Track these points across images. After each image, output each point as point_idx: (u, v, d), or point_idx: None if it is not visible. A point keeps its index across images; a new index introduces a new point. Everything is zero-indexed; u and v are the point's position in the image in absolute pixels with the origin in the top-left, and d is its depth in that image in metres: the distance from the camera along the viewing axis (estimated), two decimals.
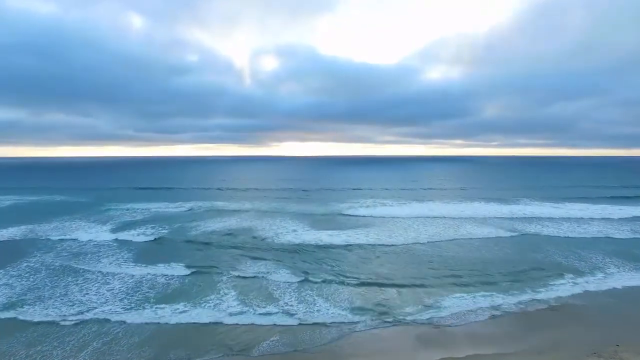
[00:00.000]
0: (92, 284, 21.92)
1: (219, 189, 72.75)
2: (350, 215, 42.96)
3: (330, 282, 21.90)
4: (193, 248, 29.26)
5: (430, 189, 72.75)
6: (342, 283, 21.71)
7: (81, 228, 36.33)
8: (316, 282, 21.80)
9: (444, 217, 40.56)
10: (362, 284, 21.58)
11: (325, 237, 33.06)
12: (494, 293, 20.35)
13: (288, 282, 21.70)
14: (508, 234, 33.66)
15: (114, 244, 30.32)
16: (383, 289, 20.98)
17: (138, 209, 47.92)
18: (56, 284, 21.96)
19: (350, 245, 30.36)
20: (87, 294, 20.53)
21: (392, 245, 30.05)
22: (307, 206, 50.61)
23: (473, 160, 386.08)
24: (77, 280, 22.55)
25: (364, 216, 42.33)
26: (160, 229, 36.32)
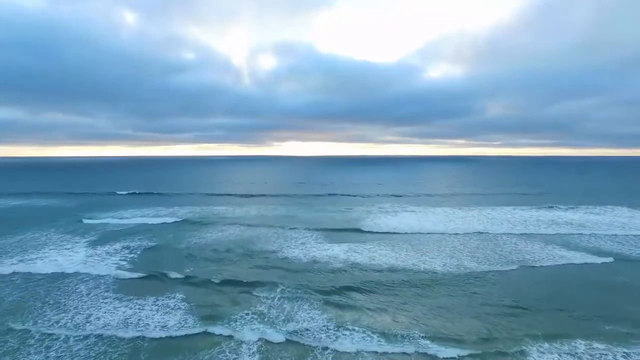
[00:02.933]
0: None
1: (216, 194, 66.82)
2: (370, 232, 36.24)
3: (374, 338, 15.83)
4: (184, 282, 22.54)
5: (451, 194, 66.59)
6: (395, 343, 15.27)
7: (51, 243, 30.45)
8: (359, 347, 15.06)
9: (483, 232, 34.25)
10: (422, 340, 15.49)
11: (341, 255, 27.42)
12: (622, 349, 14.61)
13: (319, 346, 15.10)
14: (573, 255, 27.24)
15: (81, 277, 23.17)
16: (457, 349, 14.85)
17: (124, 219, 42.15)
18: None
19: (381, 270, 24.57)
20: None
21: (434, 273, 24.03)
22: (318, 216, 44.90)
23: (477, 160, 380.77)
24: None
25: (386, 232, 36.13)
26: (145, 248, 29.83)
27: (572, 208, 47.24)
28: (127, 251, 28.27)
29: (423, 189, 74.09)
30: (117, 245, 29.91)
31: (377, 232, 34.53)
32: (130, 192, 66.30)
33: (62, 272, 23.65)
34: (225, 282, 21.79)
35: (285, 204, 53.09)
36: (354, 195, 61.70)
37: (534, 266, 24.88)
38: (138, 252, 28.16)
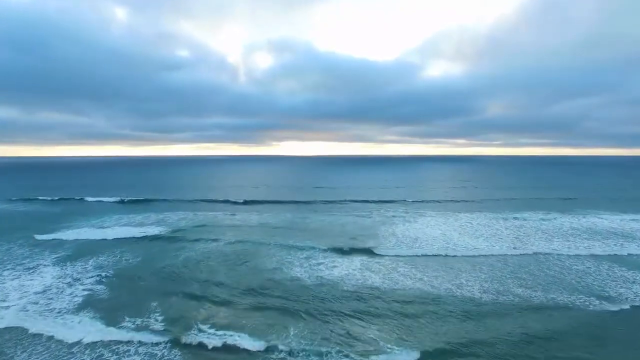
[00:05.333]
0: None
1: (211, 200, 61.53)
2: (385, 244, 31.90)
3: None
4: (169, 329, 17.92)
5: (467, 199, 60.63)
6: None
7: (8, 262, 25.30)
8: None
9: (518, 245, 29.49)
10: None
11: (356, 275, 22.76)
12: None
13: None
14: None
15: (35, 316, 18.41)
16: None
17: (106, 228, 37.38)
18: None
19: (410, 300, 19.84)
20: None
21: (478, 304, 19.41)
22: (323, 225, 39.95)
23: (479, 160, 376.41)
24: None
25: (405, 245, 31.62)
26: (121, 273, 24.79)
27: (604, 213, 42.77)
28: (99, 275, 23.27)
29: (435, 192, 69.10)
30: (90, 265, 25.13)
31: (393, 245, 29.77)
32: (118, 196, 61.26)
33: (7, 309, 18.63)
34: (224, 329, 16.61)
35: (286, 211, 48.14)
36: (363, 201, 56.03)
37: (623, 304, 18.77)
38: (112, 276, 23.30)
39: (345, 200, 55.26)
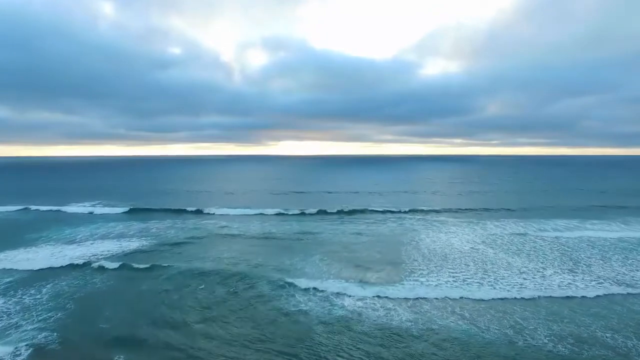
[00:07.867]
0: None
1: (200, 206, 56.35)
2: (410, 266, 26.96)
3: None
4: None
5: (496, 207, 54.36)
6: None
7: None
8: None
9: (572, 267, 24.22)
10: None
11: (378, 309, 17.64)
12: None
13: None
14: None
15: None
16: None
17: (74, 244, 32.11)
18: None
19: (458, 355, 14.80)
20: None
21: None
22: (332, 242, 34.91)
23: (479, 160, 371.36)
24: None
25: (432, 265, 26.66)
26: (83, 311, 20.10)
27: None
28: (52, 315, 18.06)
29: (449, 197, 63.44)
30: (44, 296, 20.10)
31: (420, 265, 24.59)
32: (101, 200, 55.82)
33: None
34: None
35: (288, 220, 42.59)
36: (376, 210, 50.71)
37: None
38: (68, 315, 18.11)
39: (355, 210, 47.47)
